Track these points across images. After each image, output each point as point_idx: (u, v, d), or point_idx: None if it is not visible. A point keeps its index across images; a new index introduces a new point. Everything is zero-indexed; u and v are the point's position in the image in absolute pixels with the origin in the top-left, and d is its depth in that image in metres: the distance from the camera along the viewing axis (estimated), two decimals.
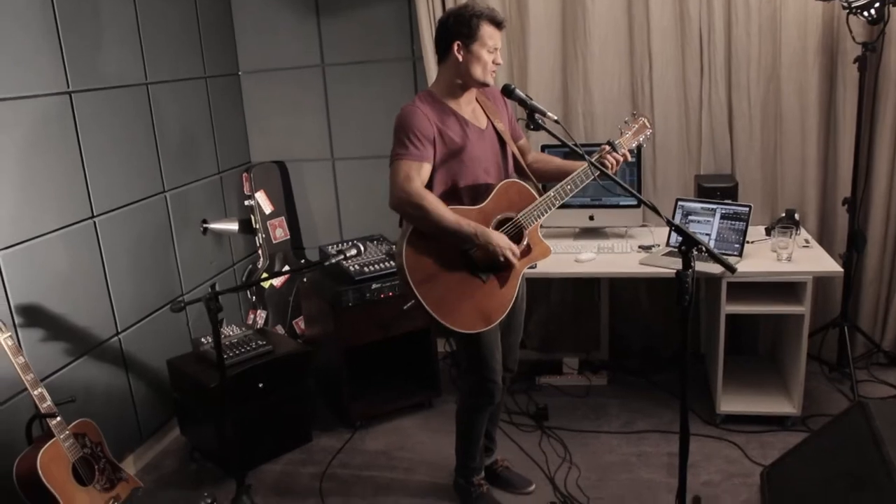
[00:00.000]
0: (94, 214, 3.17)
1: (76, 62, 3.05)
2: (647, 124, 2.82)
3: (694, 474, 3.00)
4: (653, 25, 3.72)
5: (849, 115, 3.61)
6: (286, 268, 4.32)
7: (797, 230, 3.40)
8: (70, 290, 3.03)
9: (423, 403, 3.82)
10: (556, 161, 2.86)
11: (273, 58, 4.34)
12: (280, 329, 4.28)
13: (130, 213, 3.40)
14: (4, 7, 2.71)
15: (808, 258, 3.29)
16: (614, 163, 2.63)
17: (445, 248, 2.51)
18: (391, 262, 3.59)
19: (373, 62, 4.24)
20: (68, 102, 3.03)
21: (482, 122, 2.63)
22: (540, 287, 4.08)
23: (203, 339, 3.45)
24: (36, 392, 2.49)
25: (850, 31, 3.43)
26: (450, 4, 3.77)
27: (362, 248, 2.97)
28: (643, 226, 3.85)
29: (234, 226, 4.13)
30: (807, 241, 3.50)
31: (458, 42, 2.48)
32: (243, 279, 4.35)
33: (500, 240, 2.49)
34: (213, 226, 4.03)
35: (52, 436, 2.51)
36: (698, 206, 3.47)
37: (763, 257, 3.31)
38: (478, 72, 2.50)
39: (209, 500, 2.27)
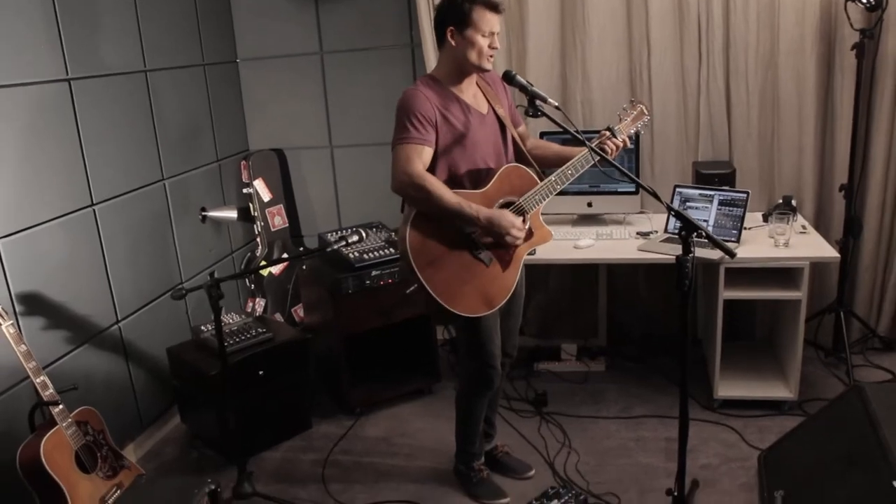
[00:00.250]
0: (94, 202, 3.17)
1: (75, 49, 3.04)
2: (645, 111, 2.83)
3: (692, 458, 3.01)
4: (651, 13, 3.72)
5: (846, 102, 3.62)
6: (290, 254, 4.33)
7: (794, 216, 3.41)
8: (70, 279, 3.03)
9: (423, 390, 3.84)
10: (555, 147, 2.87)
11: (271, 45, 4.33)
12: (279, 317, 4.29)
13: (130, 201, 3.40)
14: None
15: (806, 244, 3.31)
16: (614, 148, 2.65)
17: (448, 232, 2.52)
18: (391, 250, 3.60)
19: (371, 49, 4.23)
20: (67, 90, 3.02)
21: (483, 108, 2.64)
22: (538, 274, 4.10)
23: (203, 327, 3.46)
24: (38, 380, 2.49)
25: (849, 18, 3.44)
26: None
27: (364, 235, 2.98)
28: (641, 212, 3.86)
29: (232, 213, 4.13)
30: (804, 227, 3.52)
31: (452, 27, 2.48)
32: (242, 267, 4.35)
33: (503, 219, 2.50)
34: (212, 213, 4.03)
35: (55, 424, 2.51)
36: (696, 192, 3.49)
37: (761, 243, 3.33)
38: (473, 57, 2.49)
39: (213, 486, 2.29)
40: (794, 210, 3.48)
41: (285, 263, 4.28)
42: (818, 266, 3.73)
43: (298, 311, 4.30)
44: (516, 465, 3.12)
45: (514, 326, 2.96)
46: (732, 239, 3.32)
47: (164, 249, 3.67)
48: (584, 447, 3.25)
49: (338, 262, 3.58)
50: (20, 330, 2.68)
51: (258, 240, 4.30)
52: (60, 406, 2.53)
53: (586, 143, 2.43)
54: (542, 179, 2.65)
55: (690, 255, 2.18)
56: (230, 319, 3.53)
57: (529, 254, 2.76)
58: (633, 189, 3.73)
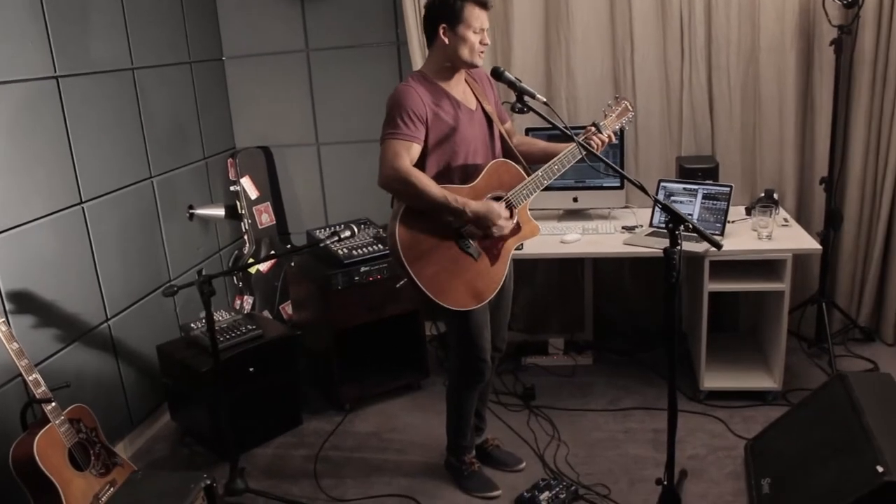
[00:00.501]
0: (83, 200, 3.16)
1: (63, 46, 3.04)
2: (630, 107, 2.88)
3: (680, 449, 3.04)
4: (634, 10, 3.77)
5: (825, 97, 3.69)
6: (278, 251, 4.33)
7: (776, 209, 3.47)
8: (60, 277, 3.02)
9: (412, 385, 3.86)
10: (541, 143, 2.91)
11: (257, 43, 4.33)
12: (267, 314, 4.29)
13: (118, 199, 3.39)
14: None
15: (788, 236, 3.38)
16: (599, 144, 2.69)
17: (437, 227, 2.54)
18: (380, 246, 3.62)
19: (357, 47, 4.24)
20: (55, 87, 3.01)
21: (472, 104, 2.67)
22: (525, 269, 4.13)
23: (193, 325, 3.47)
24: (31, 378, 2.49)
25: (827, 15, 3.50)
26: None
27: (356, 230, 3.00)
28: (626, 207, 3.92)
29: (220, 211, 4.13)
30: (786, 219, 3.58)
31: (444, 25, 2.51)
32: (230, 265, 4.35)
33: (489, 209, 2.52)
34: (200, 211, 4.03)
35: (47, 422, 2.51)
36: (680, 186, 3.53)
37: (744, 236, 3.39)
38: (465, 53, 2.53)
39: (208, 481, 2.30)
40: (776, 203, 3.53)
41: (273, 261, 4.29)
42: (800, 258, 3.79)
43: (286, 309, 4.30)
44: (507, 458, 3.15)
45: (504, 321, 2.99)
46: (716, 232, 3.37)
47: (152, 247, 3.67)
48: (573, 439, 3.29)
49: (327, 259, 3.60)
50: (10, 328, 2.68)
51: (245, 237, 4.30)
52: (53, 404, 2.52)
53: (574, 138, 2.47)
54: (529, 175, 2.68)
55: (678, 247, 2.22)
56: (220, 317, 3.53)
57: (517, 248, 2.79)
58: (618, 184, 3.78)
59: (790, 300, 3.31)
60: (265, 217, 4.36)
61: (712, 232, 3.36)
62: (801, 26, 3.65)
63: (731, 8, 3.68)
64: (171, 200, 3.80)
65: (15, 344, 2.47)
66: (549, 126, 2.47)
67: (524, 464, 3.13)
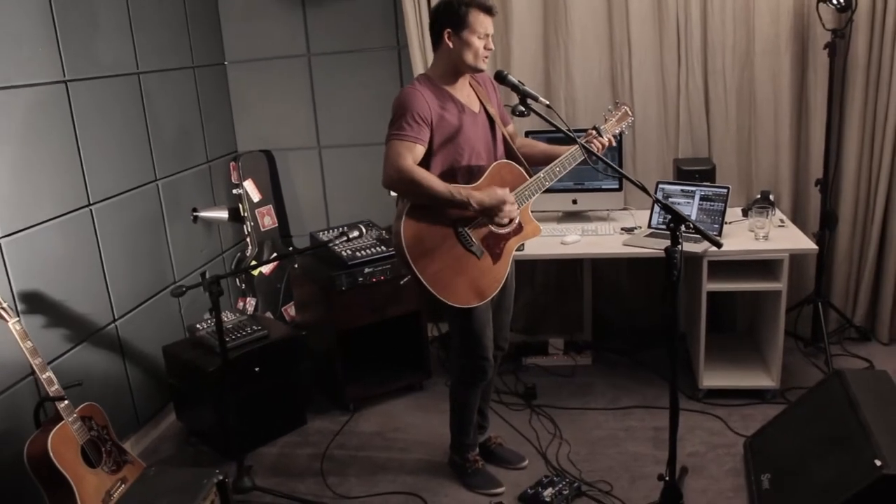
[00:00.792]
0: (91, 202, 3.20)
1: (72, 51, 3.08)
2: (630, 112, 2.93)
3: (680, 446, 3.07)
4: (631, 14, 3.83)
5: (820, 100, 3.75)
6: (282, 252, 4.37)
7: (772, 211, 3.53)
8: (69, 278, 3.06)
9: (414, 385, 3.90)
10: (542, 146, 2.96)
11: (259, 47, 4.37)
12: (269, 315, 4.33)
13: (125, 202, 3.43)
14: None
15: (784, 237, 3.43)
16: (599, 147, 2.74)
17: (441, 226, 2.59)
18: (383, 247, 3.66)
19: (358, 51, 4.29)
20: (64, 91, 3.05)
21: (475, 106, 2.72)
22: (525, 271, 4.18)
23: (199, 325, 3.50)
24: (44, 376, 2.53)
25: (820, 19, 3.56)
26: None
27: (364, 230, 3.04)
28: (625, 209, 3.97)
29: (223, 214, 4.17)
30: (782, 220, 3.64)
31: (449, 30, 2.56)
32: (232, 267, 4.39)
33: (493, 194, 2.55)
34: (203, 214, 4.07)
35: (60, 419, 2.55)
36: (678, 188, 3.59)
37: (741, 237, 3.44)
38: (469, 58, 2.58)
39: (221, 477, 2.33)
40: (772, 204, 3.59)
41: (276, 263, 4.33)
42: (796, 258, 3.84)
43: (289, 310, 4.34)
44: (510, 456, 3.19)
45: (506, 320, 3.04)
46: (714, 233, 3.42)
47: (157, 249, 3.71)
48: (574, 438, 3.34)
49: (330, 260, 3.64)
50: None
51: (248, 240, 4.34)
52: (66, 401, 2.56)
53: (577, 140, 2.53)
54: (530, 176, 2.73)
55: (679, 246, 2.27)
56: (225, 318, 3.56)
57: (518, 249, 2.84)
58: (617, 186, 3.84)
59: (787, 300, 3.36)
60: (267, 220, 4.40)
61: (710, 233, 3.41)
62: (796, 30, 3.72)
63: (726, 12, 3.75)
64: (175, 203, 3.84)
65: (29, 342, 2.51)
66: (549, 129, 2.52)
67: (527, 461, 3.17)
